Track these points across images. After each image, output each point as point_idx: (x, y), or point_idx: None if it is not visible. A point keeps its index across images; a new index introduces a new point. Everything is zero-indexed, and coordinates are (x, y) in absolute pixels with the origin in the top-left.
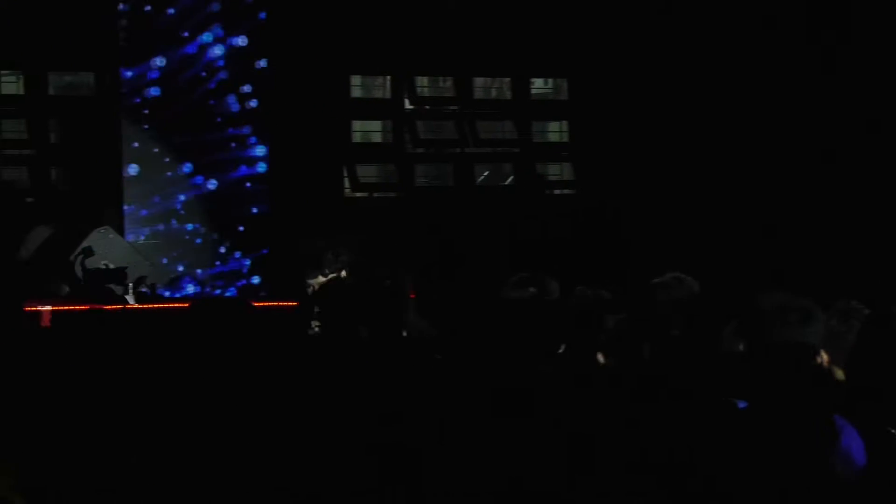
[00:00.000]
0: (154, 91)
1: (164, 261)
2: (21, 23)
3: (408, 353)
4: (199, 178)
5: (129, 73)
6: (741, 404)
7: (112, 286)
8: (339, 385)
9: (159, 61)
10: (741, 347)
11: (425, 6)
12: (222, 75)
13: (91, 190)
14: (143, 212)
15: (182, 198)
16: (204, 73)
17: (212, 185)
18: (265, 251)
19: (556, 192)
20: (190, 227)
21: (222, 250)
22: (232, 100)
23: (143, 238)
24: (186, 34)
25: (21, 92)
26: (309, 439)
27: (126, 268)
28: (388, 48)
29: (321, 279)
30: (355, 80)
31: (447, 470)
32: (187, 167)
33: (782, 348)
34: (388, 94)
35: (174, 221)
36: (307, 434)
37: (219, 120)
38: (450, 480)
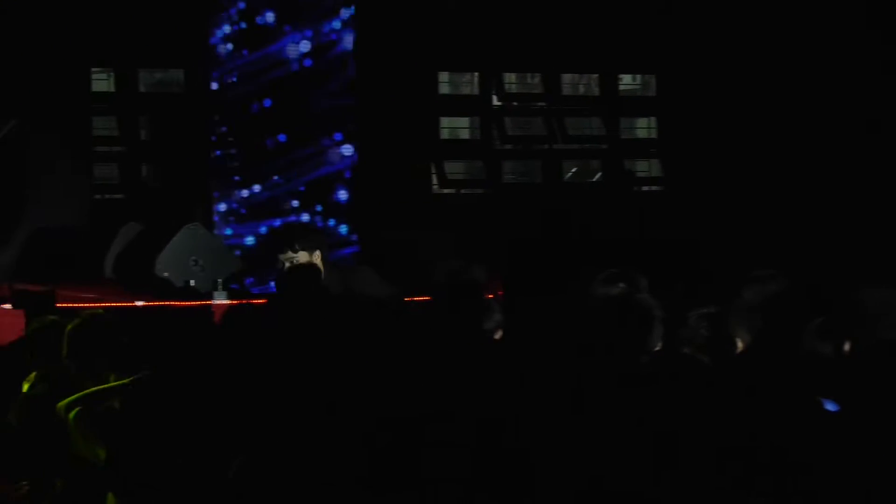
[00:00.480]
0: (243, 87)
1: None
2: (112, 21)
3: (494, 351)
4: (287, 175)
5: (219, 71)
6: (829, 405)
7: (200, 283)
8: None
9: (248, 57)
10: (826, 346)
11: (513, 2)
12: (311, 72)
13: (181, 186)
14: (234, 207)
15: (268, 195)
16: (293, 70)
17: (299, 182)
18: (355, 248)
19: (644, 188)
20: (278, 222)
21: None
22: (320, 96)
23: (230, 234)
24: (275, 30)
25: (112, 89)
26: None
27: (216, 264)
28: (476, 44)
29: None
30: (443, 76)
31: (535, 469)
32: (275, 164)
33: (890, 347)
34: (476, 91)
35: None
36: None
37: (307, 117)
38: (538, 480)
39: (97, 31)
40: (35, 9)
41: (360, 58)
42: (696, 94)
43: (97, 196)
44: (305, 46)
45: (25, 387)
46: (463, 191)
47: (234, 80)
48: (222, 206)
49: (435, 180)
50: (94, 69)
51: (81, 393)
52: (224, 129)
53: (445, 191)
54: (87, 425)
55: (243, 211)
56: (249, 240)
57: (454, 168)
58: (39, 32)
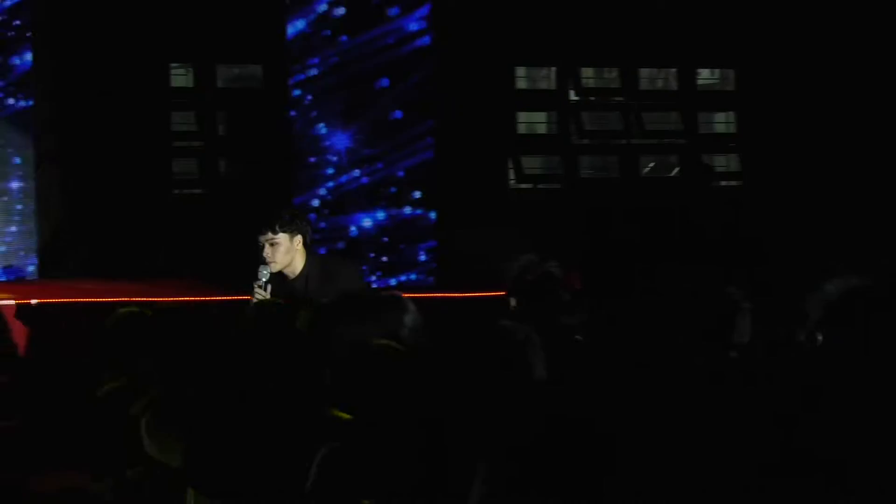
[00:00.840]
0: (322, 82)
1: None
2: (191, 16)
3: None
4: (365, 169)
5: (298, 66)
6: None
7: None
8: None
9: (327, 53)
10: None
11: None
12: (388, 67)
13: (259, 181)
14: (315, 202)
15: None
16: (371, 66)
17: (377, 176)
18: (433, 242)
19: (723, 183)
20: (379, 214)
21: (385, 240)
22: (399, 91)
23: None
24: (354, 24)
25: (190, 85)
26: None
27: None
28: (553, 39)
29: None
30: (520, 71)
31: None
32: (353, 158)
33: None
34: (553, 86)
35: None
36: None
37: (386, 111)
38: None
39: (176, 27)
40: (115, 4)
41: (438, 52)
42: (775, 89)
43: (175, 191)
44: (384, 41)
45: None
46: (540, 186)
47: (314, 74)
48: (315, 201)
49: (512, 175)
50: (172, 64)
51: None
52: (315, 115)
53: (522, 186)
54: (160, 427)
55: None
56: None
57: (531, 163)
58: (120, 28)
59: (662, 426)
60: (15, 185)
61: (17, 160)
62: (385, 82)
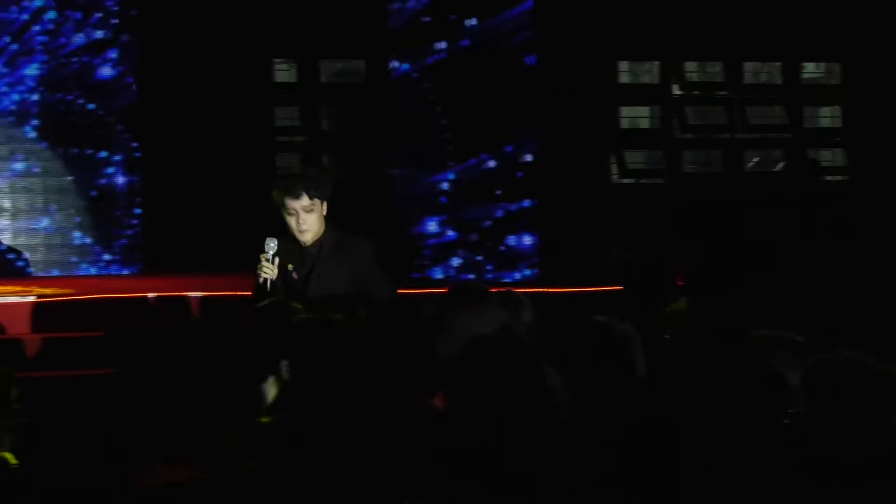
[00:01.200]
0: (424, 78)
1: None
2: (294, 12)
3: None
4: (470, 162)
5: (399, 62)
6: None
7: None
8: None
9: (428, 49)
10: None
11: None
12: (490, 61)
13: (362, 175)
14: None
15: (446, 186)
16: (473, 62)
17: (477, 171)
18: (536, 236)
19: (829, 178)
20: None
21: (490, 233)
22: (503, 86)
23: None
24: (453, 18)
25: (294, 80)
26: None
27: None
28: (656, 33)
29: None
30: (623, 65)
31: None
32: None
33: None
34: (656, 80)
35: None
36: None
37: (487, 108)
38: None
39: (279, 23)
40: (219, 1)
41: (541, 47)
42: (881, 83)
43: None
44: (483, 36)
45: None
46: (642, 180)
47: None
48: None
49: (614, 170)
50: (276, 60)
51: None
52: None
53: (625, 180)
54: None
55: (443, 199)
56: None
57: (634, 158)
58: (224, 24)
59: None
60: (120, 180)
61: (119, 157)
62: (488, 77)
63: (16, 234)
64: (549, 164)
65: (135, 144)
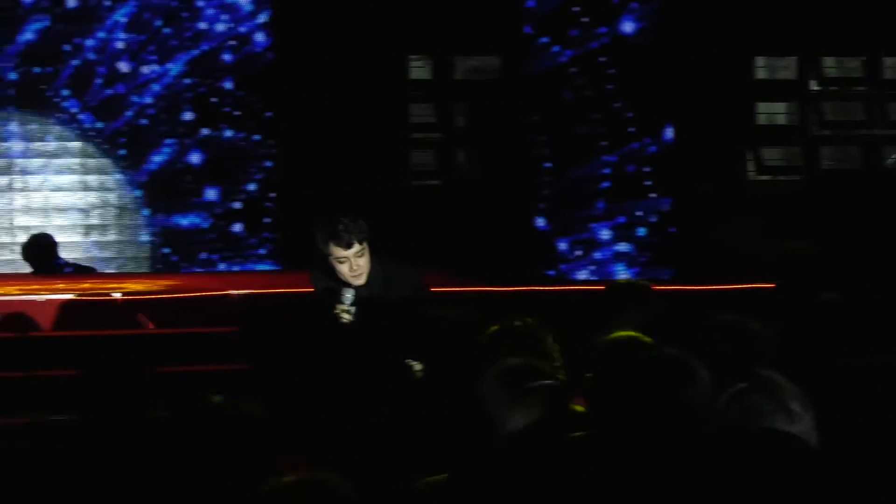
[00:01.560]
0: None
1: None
2: (429, 8)
3: None
4: (601, 160)
5: (536, 59)
6: None
7: None
8: None
9: (557, 47)
10: None
11: None
12: (621, 58)
13: (496, 173)
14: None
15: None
16: (602, 59)
17: (616, 168)
18: (672, 229)
19: None
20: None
21: (624, 230)
22: (634, 82)
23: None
24: (585, 20)
25: (429, 76)
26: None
27: None
28: (794, 28)
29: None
30: (760, 61)
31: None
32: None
33: None
34: (793, 76)
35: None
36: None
37: (618, 104)
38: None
39: (414, 20)
40: None
41: (676, 43)
42: None
43: (414, 182)
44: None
45: None
46: (779, 177)
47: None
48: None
49: (751, 167)
50: (411, 56)
51: None
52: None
53: (761, 177)
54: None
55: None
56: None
57: (770, 154)
58: (359, 20)
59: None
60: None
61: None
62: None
63: (165, 225)
64: (685, 160)
65: (270, 142)
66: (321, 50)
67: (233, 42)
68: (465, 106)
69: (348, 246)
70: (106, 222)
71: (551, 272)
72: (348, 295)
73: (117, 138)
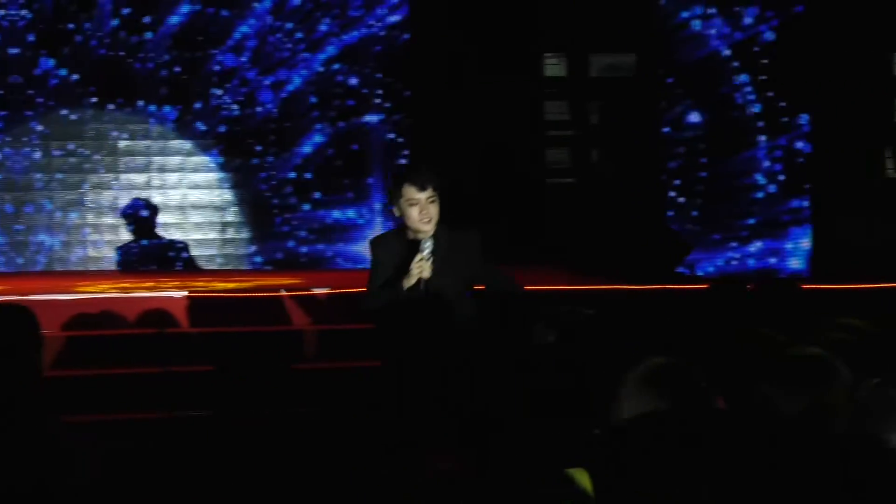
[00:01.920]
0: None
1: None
2: (564, 6)
3: None
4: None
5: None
6: None
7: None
8: None
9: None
10: None
11: None
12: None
13: (630, 171)
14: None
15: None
16: (726, 53)
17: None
18: (808, 231)
19: None
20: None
21: (757, 229)
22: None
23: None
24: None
25: (564, 74)
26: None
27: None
28: None
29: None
30: None
31: None
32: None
33: None
34: None
35: None
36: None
37: (752, 97)
38: None
39: (550, 17)
40: None
41: (816, 41)
42: None
43: (548, 180)
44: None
45: None
46: None
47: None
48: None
49: (889, 164)
50: (546, 54)
51: None
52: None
53: None
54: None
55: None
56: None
57: None
58: (495, 18)
59: None
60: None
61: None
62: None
63: (313, 219)
64: (822, 158)
65: (402, 140)
66: (457, 47)
67: (369, 36)
68: (600, 104)
69: (422, 188)
70: (241, 219)
71: (684, 269)
72: (427, 244)
73: (263, 128)
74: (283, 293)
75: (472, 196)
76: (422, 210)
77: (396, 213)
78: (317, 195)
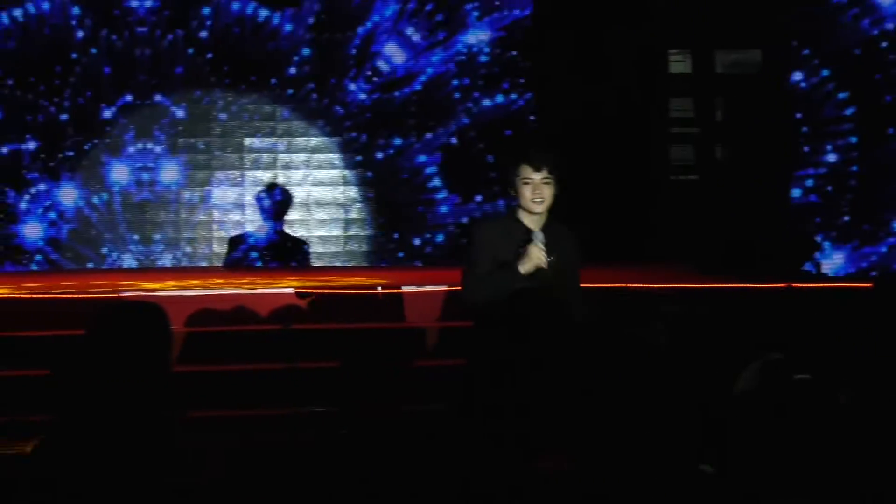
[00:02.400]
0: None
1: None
2: (689, 2)
3: None
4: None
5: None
6: None
7: None
8: None
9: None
10: None
11: None
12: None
13: (754, 168)
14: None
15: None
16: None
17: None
18: None
19: None
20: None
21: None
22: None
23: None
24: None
25: (688, 70)
26: None
27: None
28: None
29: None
30: None
31: None
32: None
33: None
34: None
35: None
36: None
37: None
38: None
39: (675, 14)
40: None
41: None
42: None
43: (672, 177)
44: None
45: None
46: None
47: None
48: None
49: None
50: (671, 51)
51: None
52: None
53: None
54: None
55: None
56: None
57: None
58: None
59: None
60: None
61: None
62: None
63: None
64: None
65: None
66: (582, 44)
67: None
68: (725, 100)
69: (538, 169)
70: (365, 216)
71: (810, 267)
72: (539, 235)
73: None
74: (379, 290)
75: (594, 191)
76: (535, 189)
77: (511, 191)
78: (443, 194)
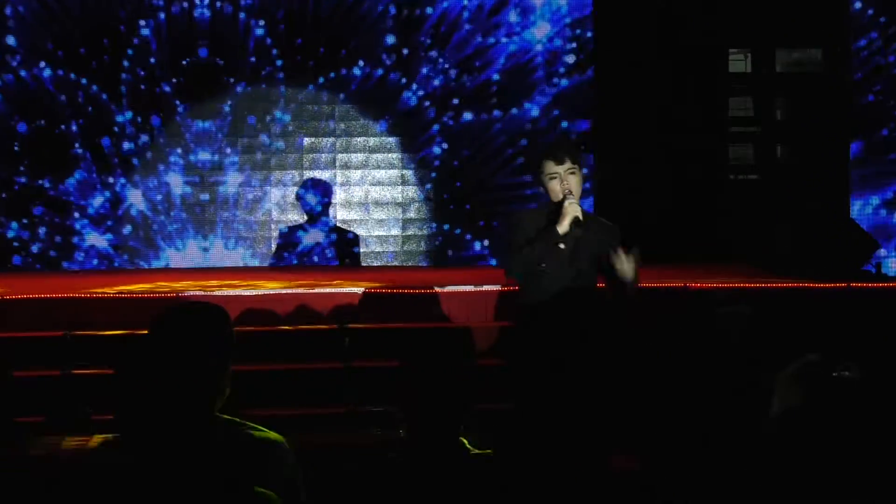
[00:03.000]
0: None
1: None
2: (750, 1)
3: None
4: None
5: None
6: None
7: None
8: None
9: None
10: None
11: None
12: None
13: (815, 168)
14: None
15: None
16: None
17: None
18: None
19: None
20: None
21: None
22: None
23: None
24: None
25: (748, 69)
26: None
27: None
28: None
29: (570, 167)
30: None
31: None
32: None
33: None
34: None
35: None
36: None
37: None
38: None
39: (735, 12)
40: None
41: None
42: None
43: (731, 176)
44: None
45: None
46: None
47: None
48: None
49: None
50: (731, 50)
51: None
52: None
53: None
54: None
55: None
56: None
57: None
58: (680, 12)
59: None
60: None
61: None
62: None
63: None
64: None
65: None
66: (642, 42)
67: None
68: (786, 99)
69: (560, 161)
70: (422, 216)
71: (870, 268)
72: (571, 196)
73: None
74: (437, 290)
75: (654, 193)
76: (562, 181)
77: (542, 190)
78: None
